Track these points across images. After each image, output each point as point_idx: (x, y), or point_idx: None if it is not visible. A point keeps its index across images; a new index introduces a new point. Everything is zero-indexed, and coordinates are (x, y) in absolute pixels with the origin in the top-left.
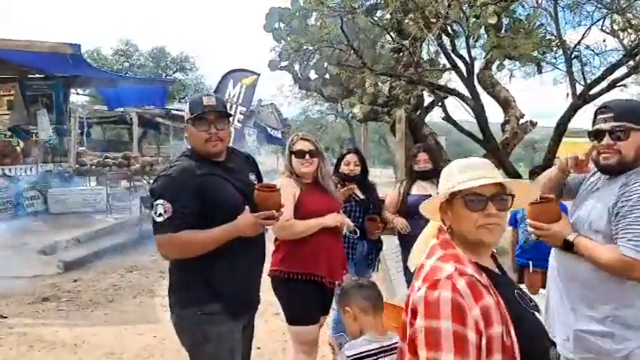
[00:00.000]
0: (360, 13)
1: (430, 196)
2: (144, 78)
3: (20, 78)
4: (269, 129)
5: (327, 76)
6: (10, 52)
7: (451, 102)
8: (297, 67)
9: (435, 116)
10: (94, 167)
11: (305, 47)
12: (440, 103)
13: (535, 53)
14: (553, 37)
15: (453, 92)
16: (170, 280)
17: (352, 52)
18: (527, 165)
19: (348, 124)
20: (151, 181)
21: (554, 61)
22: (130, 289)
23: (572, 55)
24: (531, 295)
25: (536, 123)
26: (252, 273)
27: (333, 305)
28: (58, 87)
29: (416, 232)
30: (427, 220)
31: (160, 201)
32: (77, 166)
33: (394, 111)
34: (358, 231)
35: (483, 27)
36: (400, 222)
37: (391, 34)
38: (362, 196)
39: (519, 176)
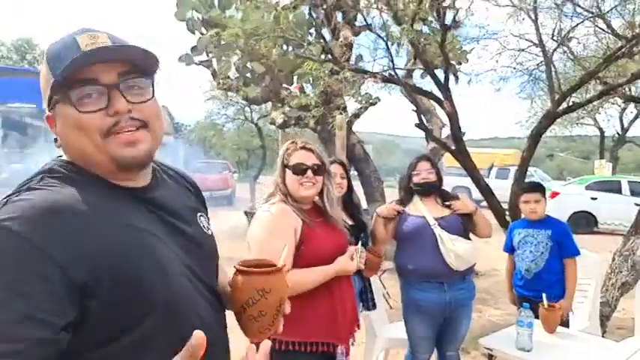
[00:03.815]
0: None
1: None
2: (5, 68)
3: None
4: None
5: (249, 75)
6: None
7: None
8: (215, 64)
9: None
10: None
11: (228, 40)
12: (415, 108)
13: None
14: (532, 41)
15: (429, 95)
16: None
17: (308, 43)
18: None
19: (258, 130)
20: None
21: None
22: None
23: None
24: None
25: (465, 133)
26: None
27: None
28: None
29: (407, 264)
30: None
31: None
32: None
33: (336, 114)
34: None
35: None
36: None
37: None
38: (350, 222)
39: (493, 193)
